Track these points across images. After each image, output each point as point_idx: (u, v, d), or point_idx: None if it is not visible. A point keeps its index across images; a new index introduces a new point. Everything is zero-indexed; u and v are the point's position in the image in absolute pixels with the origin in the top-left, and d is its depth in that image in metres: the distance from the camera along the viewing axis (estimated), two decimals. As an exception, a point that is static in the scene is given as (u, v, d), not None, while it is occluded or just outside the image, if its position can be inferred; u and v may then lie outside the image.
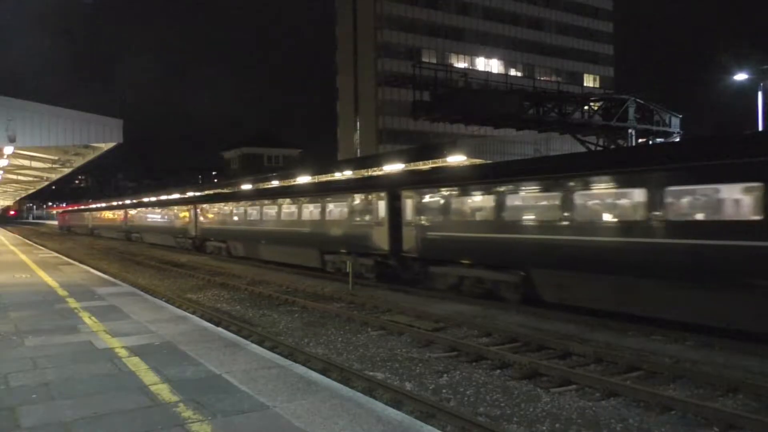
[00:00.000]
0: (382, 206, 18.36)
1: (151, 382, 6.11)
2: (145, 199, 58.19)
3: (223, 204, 32.07)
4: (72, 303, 11.77)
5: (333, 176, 32.44)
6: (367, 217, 19.05)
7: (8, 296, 12.68)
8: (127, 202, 62.93)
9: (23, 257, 25.24)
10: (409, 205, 17.16)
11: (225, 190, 41.07)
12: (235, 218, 29.46)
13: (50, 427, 4.89)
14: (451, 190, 15.98)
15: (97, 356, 7.30)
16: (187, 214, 36.45)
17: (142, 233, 48.29)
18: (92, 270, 20.16)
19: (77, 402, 5.51)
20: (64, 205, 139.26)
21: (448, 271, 16.05)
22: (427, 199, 16.67)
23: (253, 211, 27.52)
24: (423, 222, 16.53)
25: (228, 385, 5.98)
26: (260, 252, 26.87)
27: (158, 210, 44.76)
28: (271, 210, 25.83)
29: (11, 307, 11.07)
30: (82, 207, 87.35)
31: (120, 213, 56.19)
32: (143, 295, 13.79)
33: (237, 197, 31.73)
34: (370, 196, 19.17)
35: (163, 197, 53.13)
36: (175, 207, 39.97)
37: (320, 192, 23.06)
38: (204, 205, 34.46)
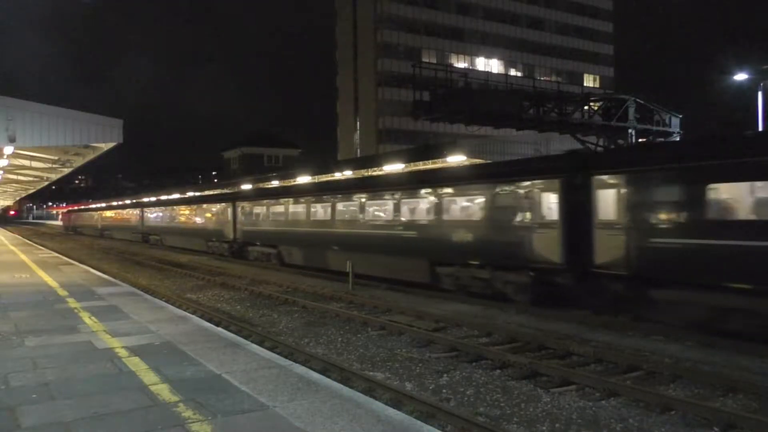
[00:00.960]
0: (550, 200, 13.33)
1: (151, 382, 6.11)
2: (168, 197, 51.61)
3: (275, 200, 25.83)
4: (72, 303, 11.76)
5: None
6: (521, 216, 13.82)
7: (8, 296, 12.68)
8: (144, 200, 56.66)
9: (23, 257, 25.23)
10: (609, 197, 12.05)
11: (275, 184, 35.16)
12: (293, 218, 23.86)
13: (50, 427, 4.88)
14: (717, 171, 10.24)
15: (97, 356, 7.30)
16: (223, 213, 30.97)
17: (162, 236, 42.64)
18: (92, 270, 20.15)
19: (77, 402, 5.51)
20: (63, 205, 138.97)
21: (691, 299, 10.50)
22: (653, 187, 11.24)
23: (320, 209, 21.99)
24: (641, 222, 11.29)
25: (228, 385, 5.97)
26: (329, 260, 21.45)
27: (185, 209, 38.56)
28: (349, 207, 20.35)
29: (11, 307, 11.07)
30: (91, 206, 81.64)
31: (135, 212, 50.36)
32: (143, 295, 13.79)
33: (296, 192, 25.71)
34: (527, 186, 13.74)
35: (192, 194, 47.13)
36: (208, 205, 34.13)
37: (433, 182, 17.03)
38: (247, 203, 28.59)
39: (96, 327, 9.21)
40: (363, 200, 19.61)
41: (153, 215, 45.48)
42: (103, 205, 72.89)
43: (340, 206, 20.84)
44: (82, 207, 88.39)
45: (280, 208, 25.12)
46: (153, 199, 55.23)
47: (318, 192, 23.17)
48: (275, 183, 36.74)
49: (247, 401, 5.46)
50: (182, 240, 38.39)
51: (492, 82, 27.60)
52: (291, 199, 24.55)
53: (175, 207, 41.58)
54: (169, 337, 8.39)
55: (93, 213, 71.09)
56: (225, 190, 42.50)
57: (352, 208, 20.19)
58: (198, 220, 35.64)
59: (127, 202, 63.10)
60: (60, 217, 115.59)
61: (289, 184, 33.06)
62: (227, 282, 20.48)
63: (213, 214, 32.85)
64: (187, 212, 38.13)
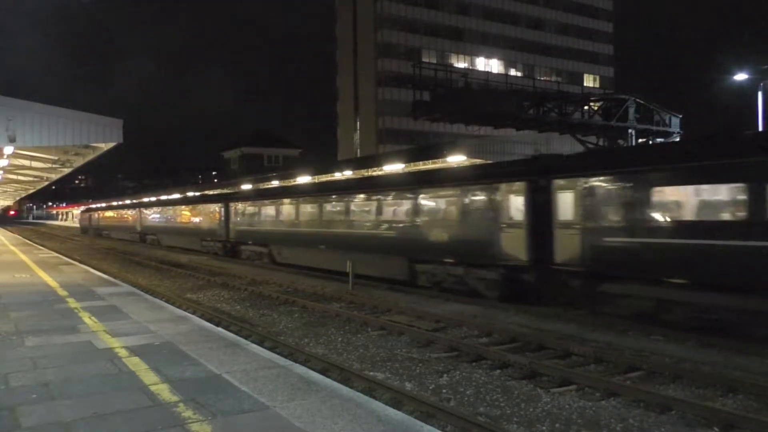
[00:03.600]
0: None
1: (151, 382, 6.11)
2: (293, 182, 33.45)
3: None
4: (72, 303, 11.76)
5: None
6: None
7: (8, 296, 12.67)
8: (227, 191, 38.91)
9: (23, 257, 25.22)
10: None
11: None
12: None
13: (50, 427, 4.88)
14: None
15: (97, 356, 7.29)
16: (499, 201, 14.69)
17: (276, 246, 25.96)
18: (92, 270, 20.15)
19: (77, 402, 5.51)
20: (64, 205, 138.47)
21: None
22: None
23: None
24: None
25: (228, 385, 5.97)
26: None
27: (354, 201, 20.63)
28: None
29: (11, 307, 11.06)
30: (127, 201, 62.91)
31: (212, 210, 32.98)
32: (143, 295, 13.78)
33: None
34: None
35: (376, 173, 28.78)
36: (412, 193, 17.86)
37: None
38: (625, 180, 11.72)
39: (96, 327, 9.20)
40: None
41: (252, 214, 28.38)
42: (147, 200, 54.80)
43: None
44: (113, 203, 69.32)
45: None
46: (249, 189, 36.12)
47: None
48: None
49: (247, 401, 5.46)
50: (333, 257, 20.98)
51: (492, 82, 27.66)
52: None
53: (306, 198, 24.03)
54: (169, 337, 8.39)
55: (130, 211, 54.05)
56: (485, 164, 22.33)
57: None
58: (388, 221, 18.97)
59: (202, 194, 44.45)
60: (77, 216, 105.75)
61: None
62: (227, 282, 20.48)
63: (451, 209, 16.41)
64: (351, 207, 20.76)
